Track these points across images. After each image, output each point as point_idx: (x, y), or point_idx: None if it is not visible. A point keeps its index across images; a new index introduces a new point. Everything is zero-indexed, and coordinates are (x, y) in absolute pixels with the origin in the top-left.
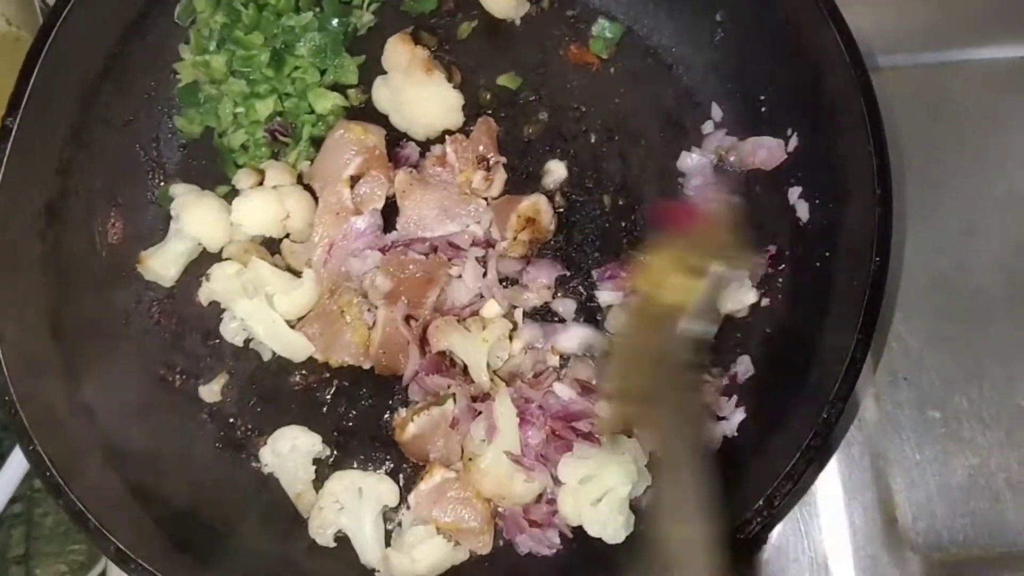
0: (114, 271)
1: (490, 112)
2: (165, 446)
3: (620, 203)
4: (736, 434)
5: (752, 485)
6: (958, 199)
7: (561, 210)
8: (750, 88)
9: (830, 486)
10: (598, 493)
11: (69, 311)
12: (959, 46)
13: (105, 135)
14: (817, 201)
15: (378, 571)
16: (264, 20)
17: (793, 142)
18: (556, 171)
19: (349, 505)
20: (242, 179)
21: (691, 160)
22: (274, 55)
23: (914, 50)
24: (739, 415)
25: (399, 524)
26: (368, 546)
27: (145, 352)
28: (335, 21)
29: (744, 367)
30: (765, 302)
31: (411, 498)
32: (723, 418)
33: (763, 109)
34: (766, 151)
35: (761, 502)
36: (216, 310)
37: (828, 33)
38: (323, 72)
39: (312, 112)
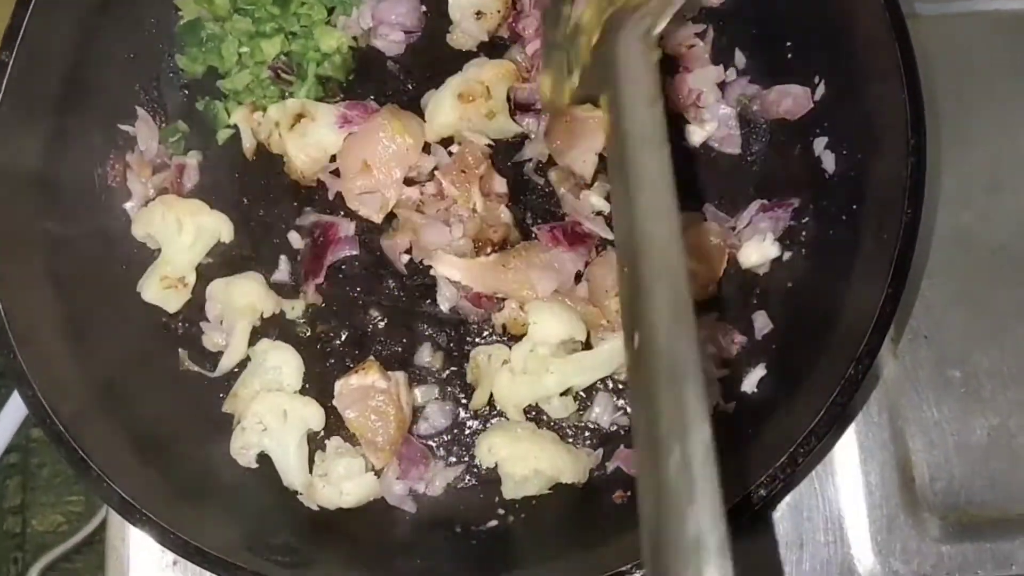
0: (113, 215)
1: None
2: (168, 395)
3: None
4: (756, 391)
5: (775, 443)
6: (984, 154)
7: None
8: (775, 33)
9: (847, 444)
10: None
11: (68, 254)
12: None
13: (104, 74)
14: (844, 152)
15: (300, 493)
16: None
17: (820, 90)
18: None
19: (273, 427)
20: (240, 118)
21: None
22: None
23: None
24: (759, 371)
25: (324, 448)
26: (292, 469)
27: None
28: None
29: (761, 322)
30: (787, 256)
31: (337, 385)
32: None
33: (789, 56)
34: (792, 100)
35: (784, 459)
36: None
37: None
38: (330, 9)
39: (318, 50)
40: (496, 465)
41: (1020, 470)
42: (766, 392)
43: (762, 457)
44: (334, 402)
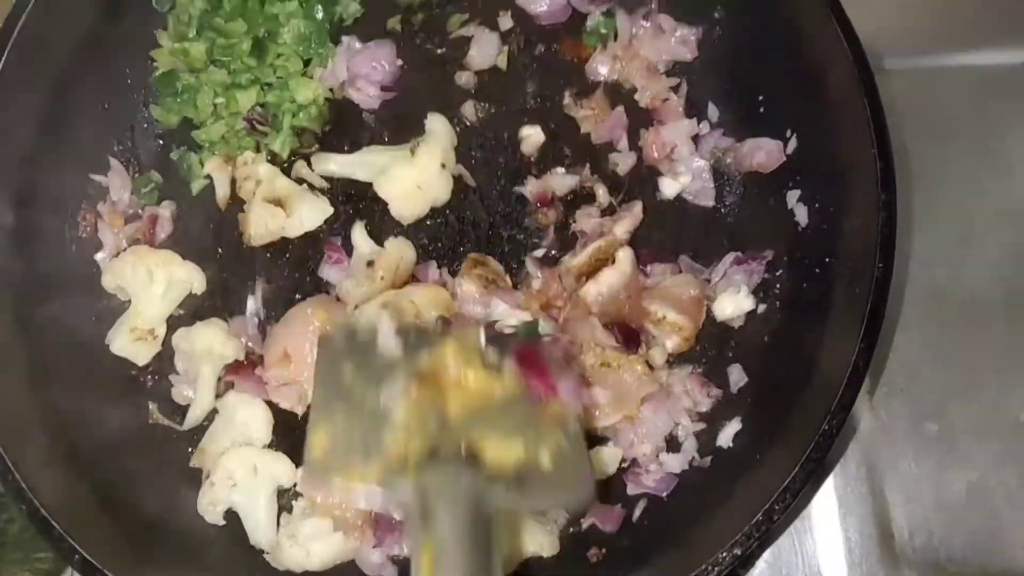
0: (84, 266)
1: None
2: (136, 449)
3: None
4: (731, 445)
5: (750, 499)
6: (956, 207)
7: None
8: (748, 87)
9: (825, 499)
10: None
11: (36, 306)
12: (961, 50)
13: (77, 124)
14: (817, 205)
15: (266, 552)
16: (247, 7)
17: (792, 144)
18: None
19: (242, 482)
20: (213, 168)
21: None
22: (256, 43)
23: (916, 53)
24: (735, 425)
25: (291, 509)
26: (260, 527)
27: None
28: (320, 9)
29: (736, 375)
30: (762, 308)
31: (300, 471)
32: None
33: (762, 109)
34: (764, 153)
35: (760, 516)
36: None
37: (831, 28)
38: (306, 61)
39: (294, 102)
40: None
41: (999, 526)
42: (742, 446)
43: (737, 515)
44: (298, 488)
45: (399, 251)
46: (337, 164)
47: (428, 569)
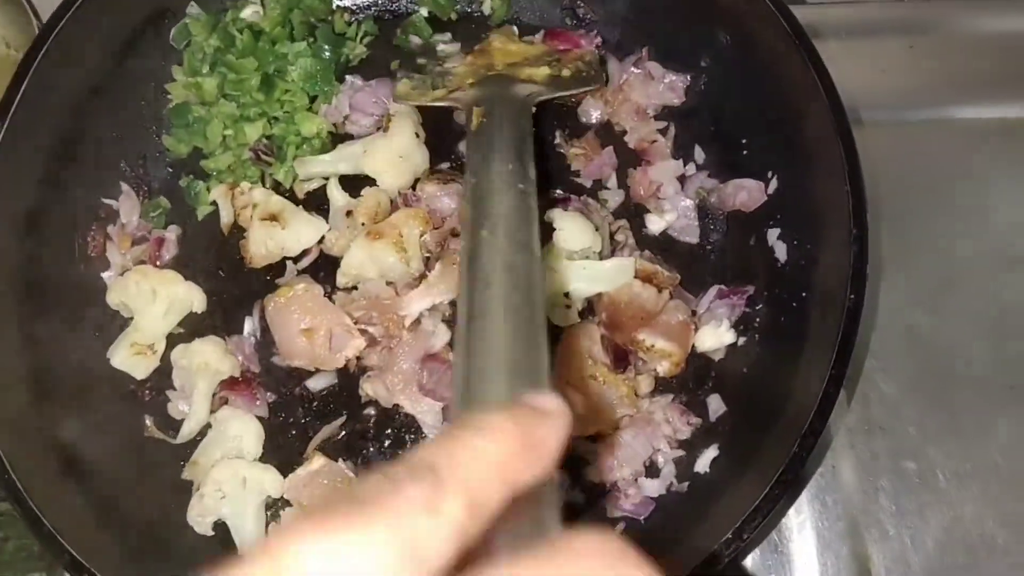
0: (91, 283)
1: None
2: (131, 460)
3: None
4: (708, 471)
5: (723, 520)
6: (935, 254)
7: None
8: (732, 132)
9: (803, 536)
10: None
11: (41, 321)
12: (938, 105)
13: (92, 150)
14: (795, 242)
15: None
16: (258, 46)
17: (773, 184)
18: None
19: (231, 494)
20: (219, 195)
21: (673, 202)
22: (265, 80)
23: (893, 108)
24: (712, 452)
25: (279, 518)
26: (248, 538)
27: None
28: (328, 50)
29: (715, 405)
30: (742, 341)
31: (286, 482)
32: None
33: (745, 152)
34: (746, 193)
35: (730, 534)
36: (193, 324)
37: (809, 77)
38: (312, 98)
39: (298, 134)
40: None
41: (976, 566)
42: (718, 472)
43: (711, 536)
44: (285, 495)
45: (375, 197)
46: (320, 165)
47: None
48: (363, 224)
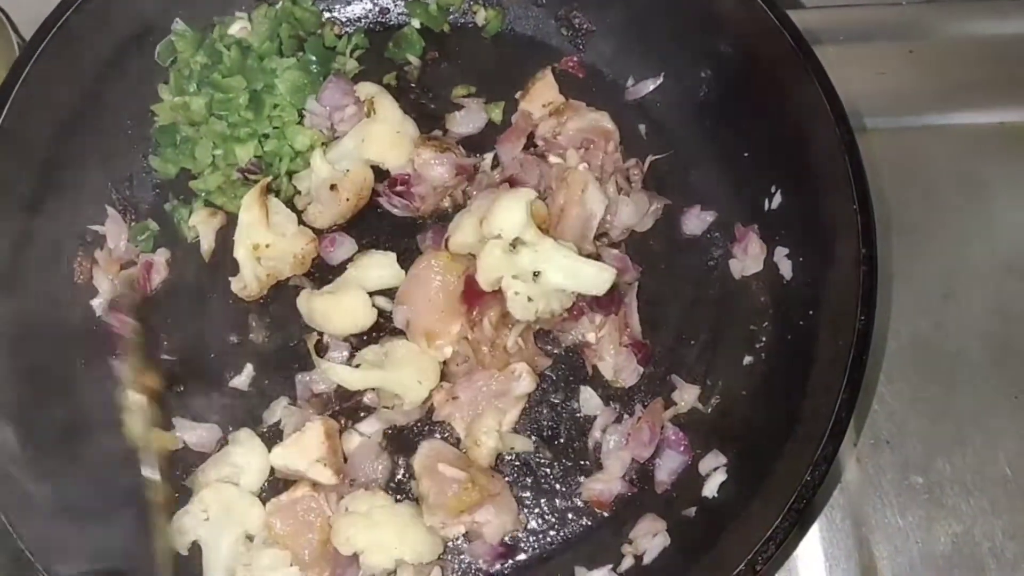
0: (77, 311)
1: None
2: (120, 498)
3: None
4: (717, 495)
5: (733, 548)
6: (939, 263)
7: None
8: (734, 144)
9: (811, 551)
10: None
11: (28, 351)
12: (938, 111)
13: (77, 173)
14: (801, 259)
15: None
16: (246, 63)
17: (777, 199)
18: None
19: (214, 518)
20: (199, 221)
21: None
22: (253, 97)
23: (894, 113)
24: (720, 476)
25: (251, 538)
26: (218, 566)
27: (102, 397)
28: (316, 63)
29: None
30: (748, 360)
31: (269, 504)
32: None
33: (747, 166)
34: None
35: (743, 566)
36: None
37: (813, 90)
38: (301, 112)
39: (292, 148)
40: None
41: None
42: (727, 497)
43: (720, 565)
44: (265, 516)
45: (362, 173)
46: (322, 172)
47: None
48: (347, 200)
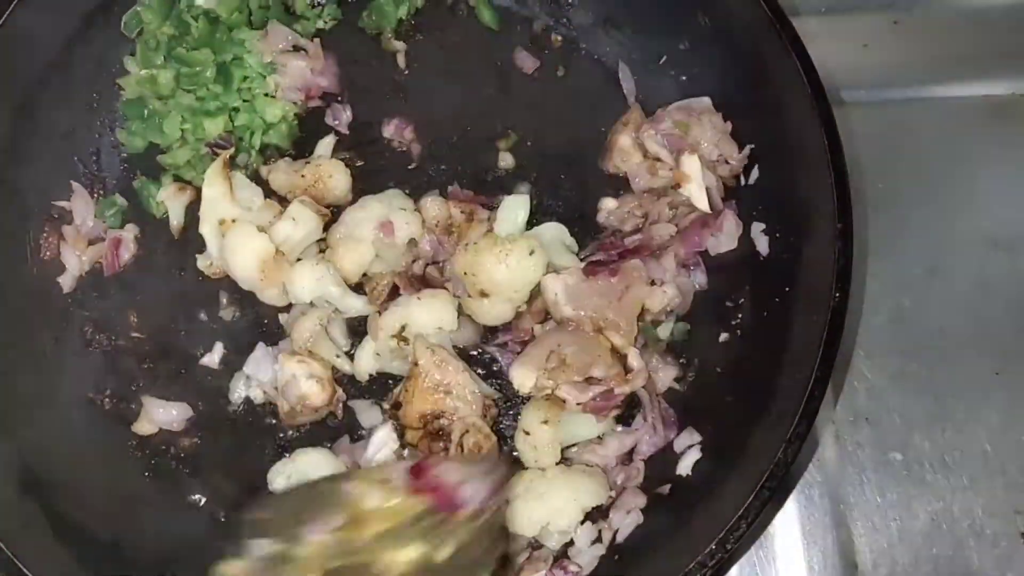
0: (44, 287)
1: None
2: (90, 474)
3: None
4: (691, 473)
5: (706, 526)
6: (921, 237)
7: None
8: None
9: (788, 529)
10: None
11: None
12: (922, 83)
13: (42, 146)
14: (778, 235)
15: None
16: (215, 36)
17: (754, 174)
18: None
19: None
20: (168, 196)
21: None
22: (221, 69)
23: (877, 86)
24: (694, 454)
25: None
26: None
27: (73, 373)
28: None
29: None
30: (724, 337)
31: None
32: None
33: None
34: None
35: (714, 544)
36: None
37: (790, 63)
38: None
39: (264, 120)
40: None
41: (965, 556)
42: (701, 474)
43: (694, 542)
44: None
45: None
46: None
47: None
48: (303, 176)
